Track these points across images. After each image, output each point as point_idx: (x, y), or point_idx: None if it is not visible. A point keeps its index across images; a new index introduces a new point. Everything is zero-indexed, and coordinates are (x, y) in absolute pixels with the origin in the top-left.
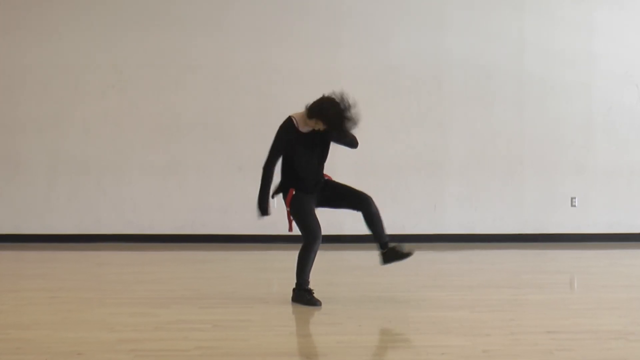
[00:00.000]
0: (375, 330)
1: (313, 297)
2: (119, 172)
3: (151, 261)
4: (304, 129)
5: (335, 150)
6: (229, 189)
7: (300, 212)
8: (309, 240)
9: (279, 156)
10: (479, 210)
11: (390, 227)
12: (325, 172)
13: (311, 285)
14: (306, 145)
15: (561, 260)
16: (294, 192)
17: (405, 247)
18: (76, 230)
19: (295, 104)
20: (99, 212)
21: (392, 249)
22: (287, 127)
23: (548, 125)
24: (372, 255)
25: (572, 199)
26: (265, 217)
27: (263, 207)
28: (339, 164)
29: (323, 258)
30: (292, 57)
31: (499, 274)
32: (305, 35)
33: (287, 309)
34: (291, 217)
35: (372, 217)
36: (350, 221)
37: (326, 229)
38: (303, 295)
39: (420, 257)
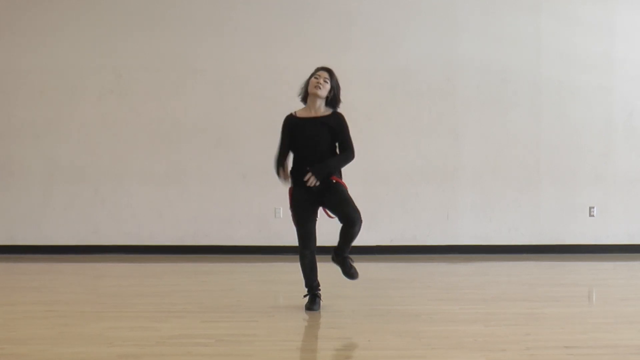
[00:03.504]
0: (385, 346)
1: (310, 302)
2: (117, 180)
3: (152, 273)
4: (302, 114)
5: None
6: (233, 198)
7: (295, 219)
8: (299, 249)
9: (285, 148)
10: (494, 220)
11: (401, 238)
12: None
13: (320, 299)
14: (306, 132)
15: (579, 272)
16: (292, 191)
17: (355, 272)
18: (73, 241)
19: None
20: (96, 222)
21: (343, 259)
22: (285, 119)
23: (566, 132)
24: (382, 267)
25: (590, 208)
26: (283, 179)
27: (278, 170)
28: (347, 172)
29: (331, 270)
30: (299, 61)
31: (515, 286)
32: (312, 37)
33: (294, 323)
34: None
35: (347, 234)
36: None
37: (333, 240)
38: (307, 298)
39: (433, 269)
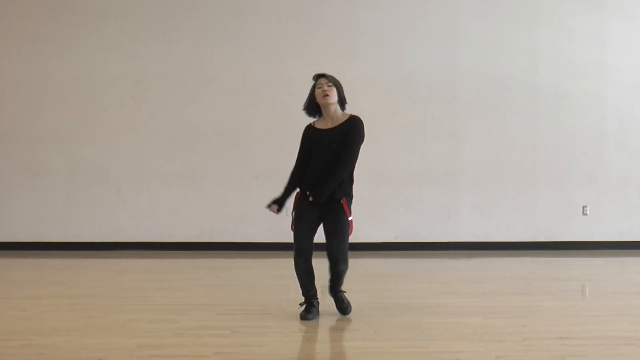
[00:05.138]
0: (390, 336)
1: (305, 311)
2: (138, 181)
3: (170, 268)
4: (320, 124)
5: None
6: (246, 197)
7: (295, 225)
8: (294, 256)
9: (302, 158)
10: (493, 218)
11: (405, 235)
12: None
13: (328, 293)
14: (321, 142)
15: (573, 267)
16: (298, 197)
17: (348, 307)
18: (96, 238)
19: None
20: (118, 220)
21: (335, 294)
22: (305, 129)
23: (560, 135)
24: (387, 262)
25: (584, 207)
26: (274, 211)
27: (277, 202)
28: (354, 172)
29: None
30: (308, 68)
31: (512, 281)
32: (321, 47)
33: None
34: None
35: (332, 271)
36: (365, 229)
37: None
38: (303, 305)
39: (435, 265)
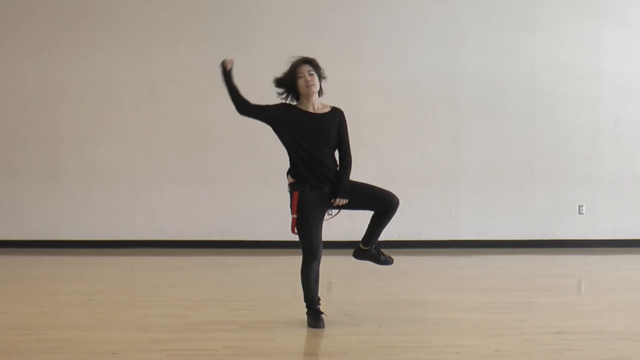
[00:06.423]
0: (393, 331)
1: (316, 319)
2: (151, 181)
3: (182, 266)
4: (306, 106)
5: (355, 160)
6: (256, 197)
7: (304, 227)
8: (307, 259)
9: (261, 107)
10: (492, 217)
11: (407, 233)
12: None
13: (334, 289)
14: (315, 128)
15: (569, 265)
16: (298, 196)
17: (388, 255)
18: (111, 236)
19: None
20: (132, 219)
21: (377, 251)
22: (284, 105)
23: (557, 137)
24: None
25: (579, 207)
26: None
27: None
28: (358, 174)
29: (344, 262)
30: None
31: (511, 277)
32: (326, 52)
33: None
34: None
35: (386, 218)
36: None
37: (344, 235)
38: (308, 315)
39: (436, 262)
